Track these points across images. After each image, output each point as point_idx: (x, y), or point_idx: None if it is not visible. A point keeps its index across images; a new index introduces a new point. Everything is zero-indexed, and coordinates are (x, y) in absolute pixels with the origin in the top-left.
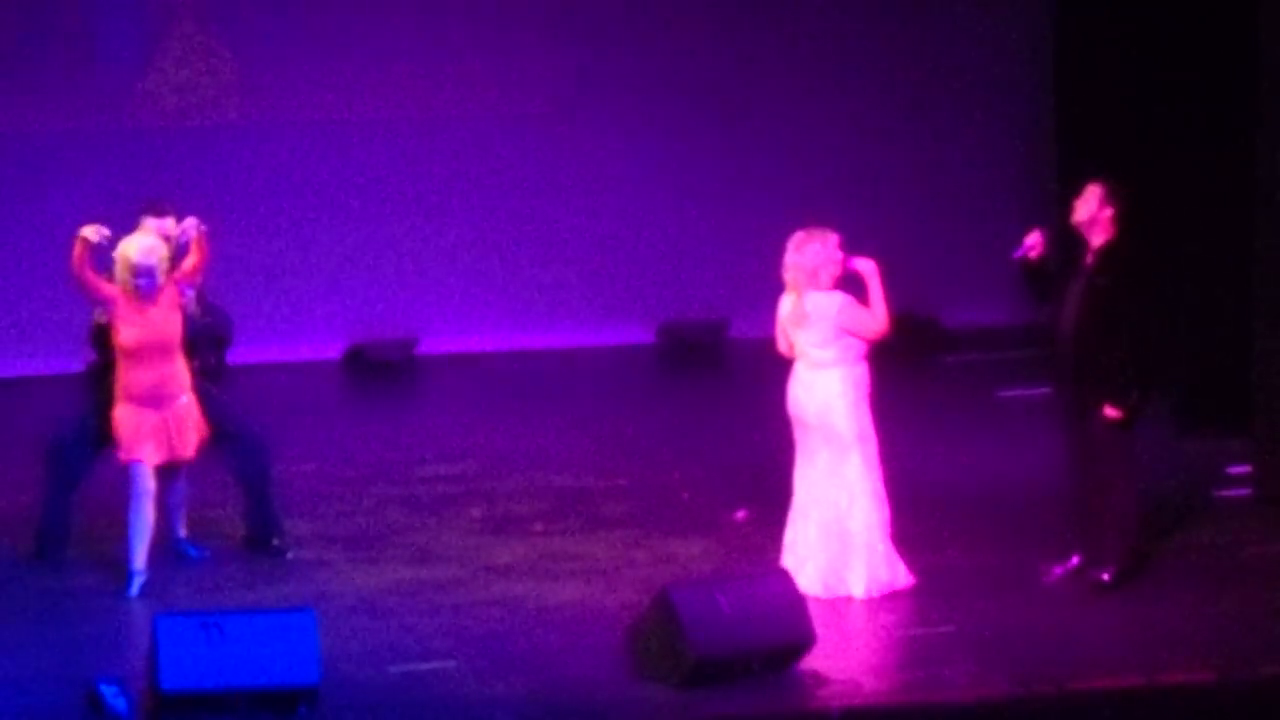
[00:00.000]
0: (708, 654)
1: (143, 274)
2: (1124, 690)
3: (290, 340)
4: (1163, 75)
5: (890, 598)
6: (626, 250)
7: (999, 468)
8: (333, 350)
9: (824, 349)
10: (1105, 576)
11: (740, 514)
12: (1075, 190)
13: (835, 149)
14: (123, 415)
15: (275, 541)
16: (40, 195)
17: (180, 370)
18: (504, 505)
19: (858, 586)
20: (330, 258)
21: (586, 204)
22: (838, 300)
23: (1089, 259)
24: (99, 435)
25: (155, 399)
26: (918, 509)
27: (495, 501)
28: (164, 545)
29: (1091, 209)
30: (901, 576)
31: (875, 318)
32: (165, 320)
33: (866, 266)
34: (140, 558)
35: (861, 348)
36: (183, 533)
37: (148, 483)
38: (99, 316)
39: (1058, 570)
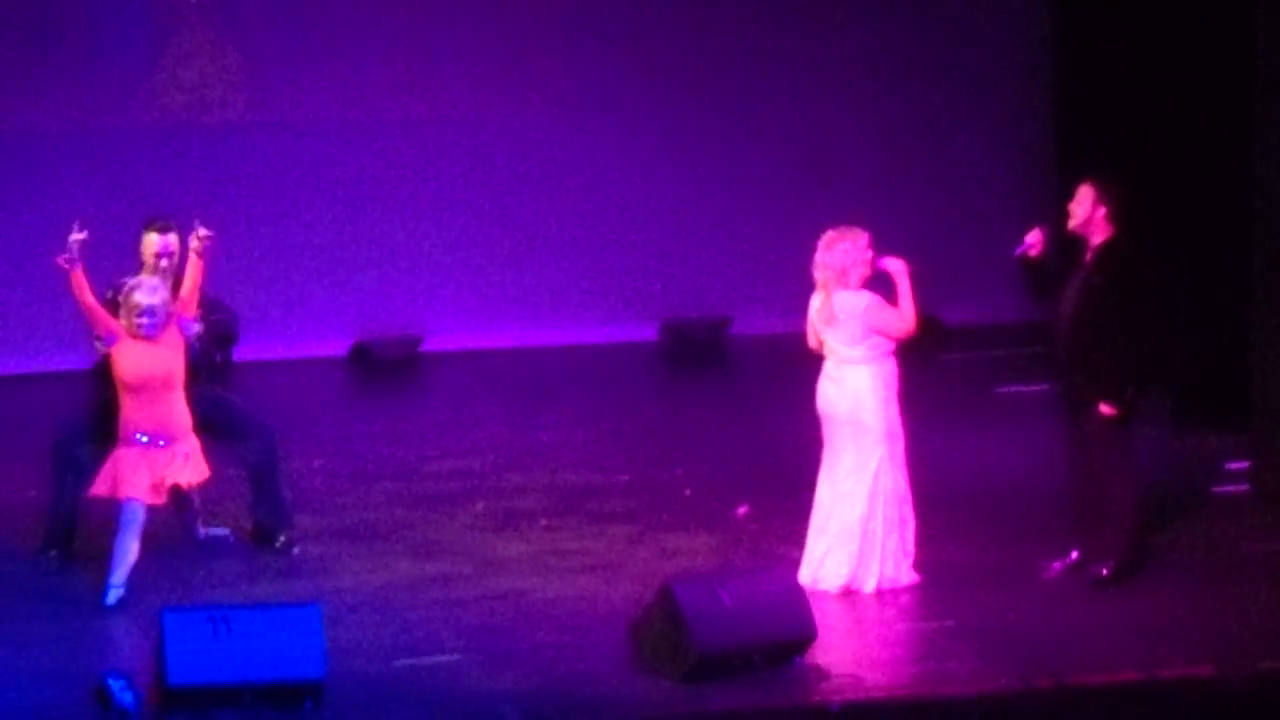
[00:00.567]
0: (710, 648)
1: (146, 314)
2: (1123, 684)
3: (296, 337)
4: (1161, 75)
5: (891, 592)
6: (629, 248)
7: (999, 464)
8: (338, 347)
9: (852, 347)
10: (1104, 571)
11: (742, 509)
12: (1074, 189)
13: (835, 148)
14: (124, 455)
15: (283, 535)
16: (47, 193)
17: (182, 409)
18: (508, 501)
19: (869, 582)
20: (336, 256)
21: (589, 202)
22: (865, 300)
23: (1088, 257)
24: (105, 431)
25: (157, 439)
26: (918, 505)
27: (499, 497)
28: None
29: (1086, 210)
30: (905, 574)
31: (903, 317)
32: (167, 356)
33: (896, 266)
34: (119, 576)
35: (890, 344)
36: (201, 534)
37: (139, 517)
38: (100, 348)
39: (1057, 565)
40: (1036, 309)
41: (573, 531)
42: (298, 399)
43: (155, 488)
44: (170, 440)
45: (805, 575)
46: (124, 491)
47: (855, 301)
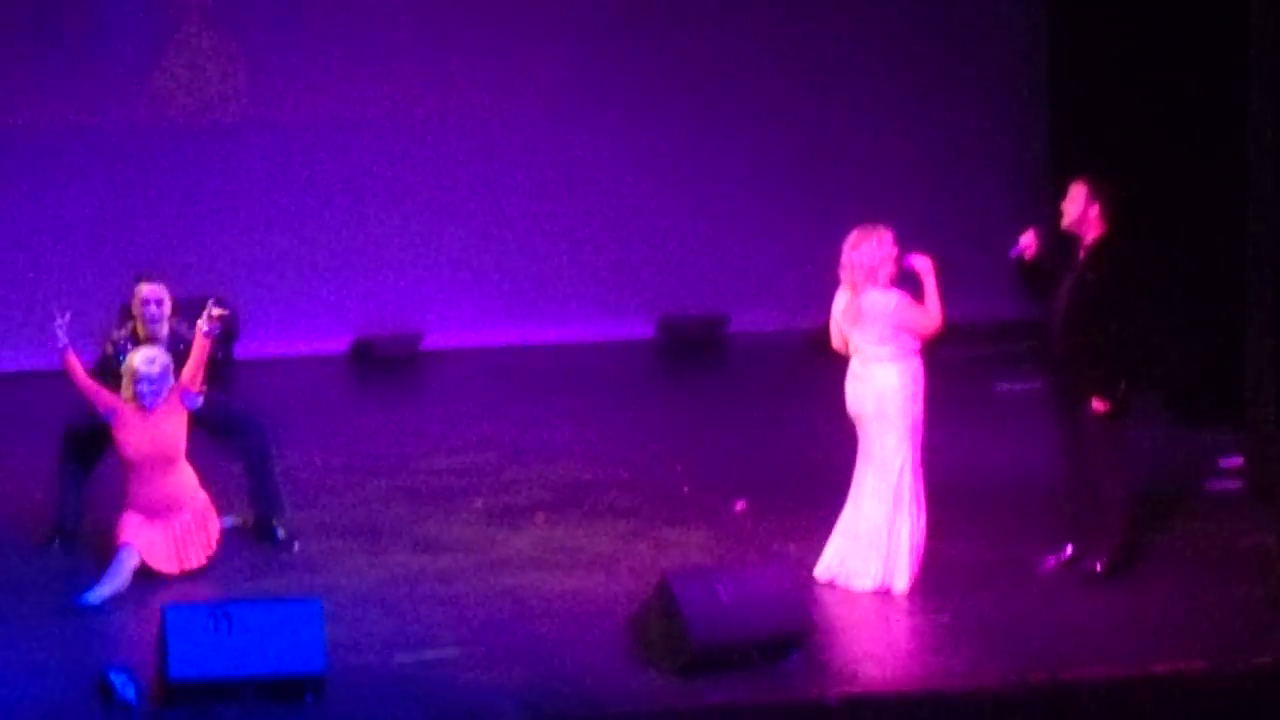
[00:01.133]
0: (708, 642)
1: (143, 381)
2: (1117, 679)
3: (297, 335)
4: (1156, 75)
5: (887, 588)
6: (627, 246)
7: (995, 460)
8: (339, 345)
9: (880, 346)
10: (1098, 567)
11: (739, 505)
12: (1066, 190)
13: (833, 146)
14: (130, 519)
15: (278, 521)
16: (51, 192)
17: (186, 479)
18: (507, 497)
19: (900, 581)
20: (337, 254)
21: (587, 200)
22: (893, 299)
23: (1081, 254)
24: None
25: (162, 510)
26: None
27: (498, 493)
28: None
29: (1079, 207)
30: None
31: (929, 315)
32: (166, 431)
33: (922, 263)
34: (102, 591)
35: (916, 342)
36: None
37: (132, 564)
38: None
39: (1052, 561)
40: (1033, 307)
41: (571, 527)
42: (298, 396)
43: (169, 558)
44: (174, 510)
45: (827, 572)
46: (125, 537)
47: (884, 300)
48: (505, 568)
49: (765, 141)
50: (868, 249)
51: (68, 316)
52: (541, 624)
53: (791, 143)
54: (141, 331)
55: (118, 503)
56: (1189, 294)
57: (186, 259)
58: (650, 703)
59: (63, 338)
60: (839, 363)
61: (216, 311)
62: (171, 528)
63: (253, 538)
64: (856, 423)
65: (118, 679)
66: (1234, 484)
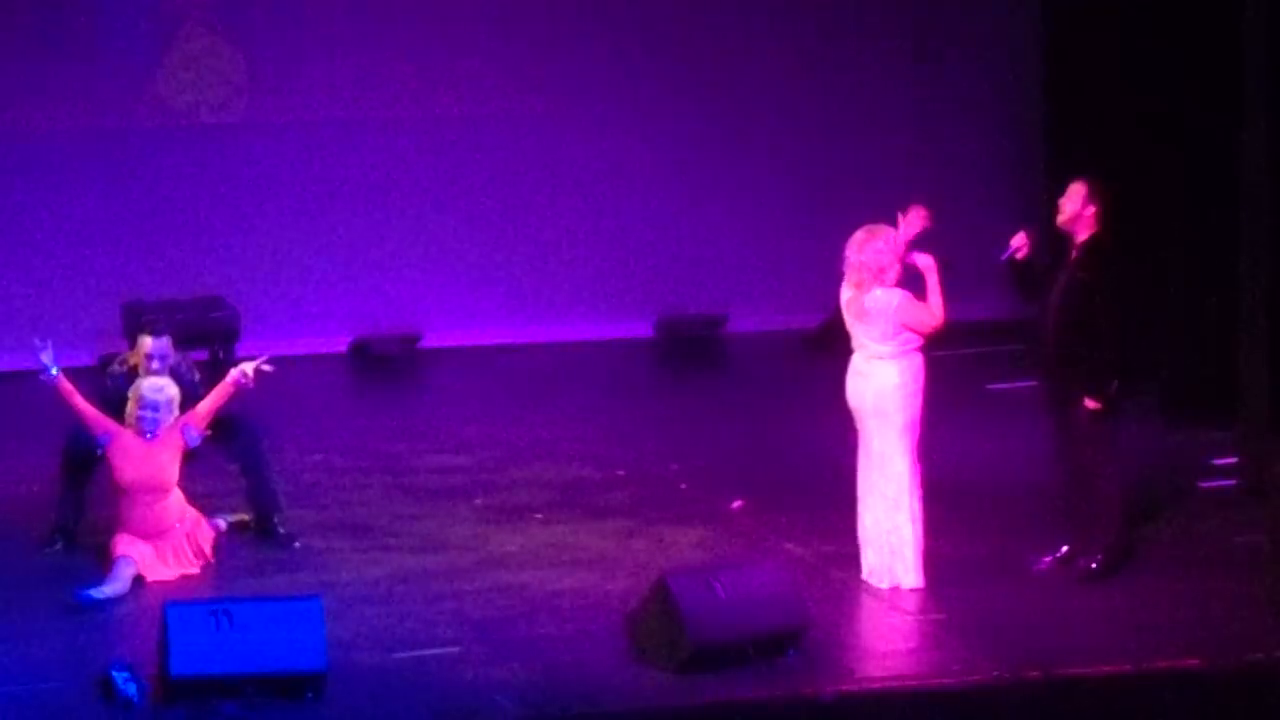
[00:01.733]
0: (705, 639)
1: (147, 407)
2: (1112, 677)
3: (296, 334)
4: (1150, 76)
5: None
6: (625, 246)
7: (989, 459)
8: (338, 344)
9: (883, 343)
10: (1093, 565)
11: (736, 504)
12: (1064, 189)
13: (830, 146)
14: (124, 538)
15: (277, 518)
16: (51, 193)
17: (175, 503)
18: (505, 495)
19: (908, 577)
20: (335, 254)
21: (586, 200)
22: (897, 297)
23: (1073, 254)
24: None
25: (154, 534)
26: None
27: (497, 491)
28: None
29: (1076, 206)
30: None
31: (932, 313)
32: (162, 461)
33: (926, 262)
34: (102, 592)
35: (918, 340)
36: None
37: (130, 571)
38: (99, 448)
39: (1046, 559)
40: (1024, 309)
41: (570, 525)
42: (298, 395)
43: (165, 572)
44: (165, 534)
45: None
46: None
47: (887, 298)
48: (504, 565)
49: (764, 141)
50: (874, 250)
51: (49, 344)
52: (540, 622)
53: (790, 143)
54: (142, 374)
55: (113, 516)
56: (1182, 293)
57: (186, 259)
58: (648, 700)
59: (51, 364)
60: (838, 362)
61: (266, 368)
62: (165, 547)
63: (253, 536)
64: (856, 417)
65: (119, 676)
66: (1227, 482)
